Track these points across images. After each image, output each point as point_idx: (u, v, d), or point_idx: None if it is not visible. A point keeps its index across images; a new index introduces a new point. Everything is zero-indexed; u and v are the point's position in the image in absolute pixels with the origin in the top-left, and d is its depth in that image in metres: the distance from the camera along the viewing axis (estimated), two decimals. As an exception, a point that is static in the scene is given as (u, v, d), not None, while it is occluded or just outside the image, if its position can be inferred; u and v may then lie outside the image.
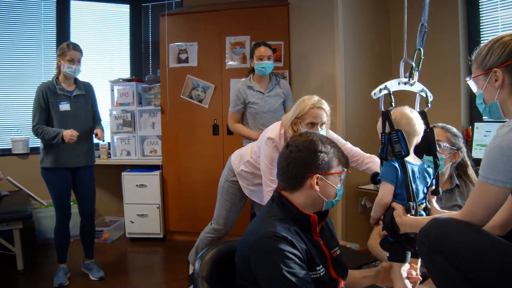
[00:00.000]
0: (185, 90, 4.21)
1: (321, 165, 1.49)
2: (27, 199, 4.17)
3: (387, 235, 1.56)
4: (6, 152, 4.42)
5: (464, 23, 3.54)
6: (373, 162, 2.58)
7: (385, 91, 1.54)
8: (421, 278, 1.57)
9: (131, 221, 4.32)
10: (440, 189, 1.64)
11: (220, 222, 3.01)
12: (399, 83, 1.59)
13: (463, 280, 1.24)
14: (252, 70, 3.43)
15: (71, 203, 4.21)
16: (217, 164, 4.00)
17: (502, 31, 3.30)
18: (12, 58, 4.51)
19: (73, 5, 4.73)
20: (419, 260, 1.59)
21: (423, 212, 1.55)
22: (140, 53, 5.09)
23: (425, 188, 1.59)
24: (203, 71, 4.17)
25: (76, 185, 3.41)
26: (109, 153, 4.53)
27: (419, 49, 1.57)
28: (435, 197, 1.66)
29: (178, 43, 4.21)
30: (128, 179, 4.31)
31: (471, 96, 3.49)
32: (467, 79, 1.48)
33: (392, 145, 1.51)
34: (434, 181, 1.61)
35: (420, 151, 1.61)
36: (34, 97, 3.21)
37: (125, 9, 5.02)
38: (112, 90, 4.51)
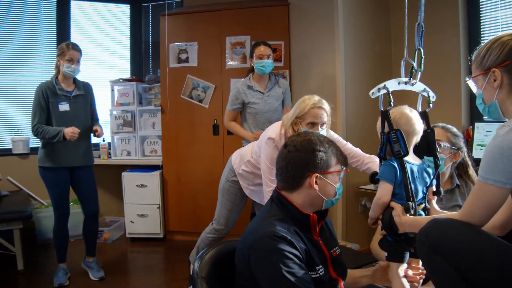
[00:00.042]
0: (185, 90, 4.21)
1: (319, 164, 1.48)
2: (27, 199, 4.17)
3: (386, 234, 1.55)
4: (7, 152, 4.42)
5: (465, 23, 3.54)
6: (373, 162, 2.58)
7: (384, 91, 1.54)
8: (418, 278, 1.57)
9: (131, 221, 4.32)
10: (441, 189, 1.64)
11: (221, 222, 3.01)
12: (399, 83, 1.59)
13: (462, 281, 1.24)
14: (251, 70, 3.43)
15: (72, 203, 4.27)
16: (217, 164, 4.00)
17: (502, 31, 3.30)
18: (12, 58, 4.51)
19: (73, 5, 4.74)
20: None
21: (422, 212, 1.55)
22: (140, 53, 5.10)
23: (424, 188, 1.58)
24: (203, 71, 4.17)
25: (76, 185, 3.41)
26: (109, 153, 4.53)
27: (419, 49, 1.57)
28: (436, 197, 1.66)
29: (178, 43, 4.20)
30: (128, 179, 4.31)
31: (472, 96, 3.48)
32: (467, 79, 1.48)
33: (391, 144, 1.50)
34: (434, 181, 1.60)
35: (420, 152, 1.61)
36: (33, 97, 3.21)
37: (125, 9, 5.02)
38: (113, 90, 4.51)
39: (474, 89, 1.45)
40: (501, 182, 1.21)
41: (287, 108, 3.41)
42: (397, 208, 1.50)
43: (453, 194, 2.07)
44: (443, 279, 1.29)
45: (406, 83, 1.60)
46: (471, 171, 2.11)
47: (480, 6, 3.47)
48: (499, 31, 3.34)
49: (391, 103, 1.53)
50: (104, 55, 4.97)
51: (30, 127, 3.20)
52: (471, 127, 3.48)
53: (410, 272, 1.56)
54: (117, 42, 5.04)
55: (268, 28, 4.00)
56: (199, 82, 4.17)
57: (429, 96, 1.64)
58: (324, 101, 2.49)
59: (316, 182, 1.48)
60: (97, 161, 4.37)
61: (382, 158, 1.57)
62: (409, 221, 1.46)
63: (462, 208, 1.34)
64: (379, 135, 1.55)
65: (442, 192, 1.65)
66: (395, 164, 1.51)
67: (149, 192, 4.29)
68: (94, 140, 4.21)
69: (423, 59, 1.58)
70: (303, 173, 1.48)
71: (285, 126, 2.53)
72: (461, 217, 1.31)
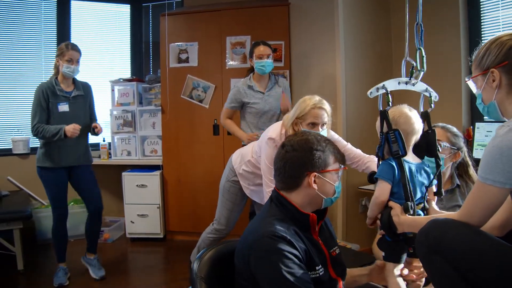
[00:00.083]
0: (185, 90, 4.21)
1: (317, 163, 1.48)
2: (27, 199, 4.18)
3: (385, 234, 1.55)
4: (7, 152, 4.41)
5: (465, 23, 3.53)
6: (372, 162, 2.57)
7: (383, 91, 1.54)
8: (414, 277, 1.57)
9: (131, 221, 4.32)
10: (442, 190, 1.63)
11: (222, 222, 3.01)
12: (399, 83, 1.58)
13: (462, 281, 1.24)
14: (251, 70, 3.43)
15: (72, 203, 4.28)
16: (217, 164, 4.00)
17: (503, 31, 3.28)
18: (13, 58, 4.51)
19: (74, 5, 4.73)
20: None
21: (421, 212, 1.54)
22: (140, 53, 5.09)
23: (423, 188, 1.58)
24: (204, 71, 4.17)
25: (76, 185, 3.42)
26: (110, 153, 4.53)
27: (420, 49, 1.56)
28: (436, 197, 1.65)
29: (179, 43, 4.20)
30: (129, 179, 4.31)
31: (472, 96, 3.48)
32: (466, 79, 1.48)
33: (389, 144, 1.50)
34: (435, 181, 1.60)
35: (421, 152, 1.61)
36: (33, 97, 3.21)
37: (125, 9, 5.02)
38: (113, 90, 4.51)
39: (473, 89, 1.45)
40: (501, 182, 1.21)
41: (284, 104, 3.40)
42: (396, 208, 1.50)
43: (454, 194, 2.06)
44: (443, 279, 1.29)
45: (406, 83, 1.60)
46: (472, 171, 2.11)
47: (481, 6, 3.46)
48: (500, 31, 3.33)
49: (390, 103, 1.53)
50: (104, 55, 4.97)
51: (30, 127, 3.20)
52: (471, 127, 3.47)
53: (406, 271, 1.56)
54: (118, 42, 5.04)
55: (268, 28, 4.00)
56: (199, 82, 4.17)
57: (431, 96, 1.63)
58: (324, 101, 2.48)
59: (314, 181, 1.48)
60: (97, 161, 4.38)
61: (380, 157, 1.57)
62: (408, 221, 1.46)
63: (461, 208, 1.34)
64: (379, 135, 1.55)
65: (443, 193, 1.64)
66: (394, 163, 1.51)
67: (149, 192, 4.29)
68: (94, 140, 4.25)
69: (424, 58, 1.57)
70: (301, 172, 1.48)
71: (286, 126, 2.53)
72: (460, 217, 1.31)
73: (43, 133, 3.14)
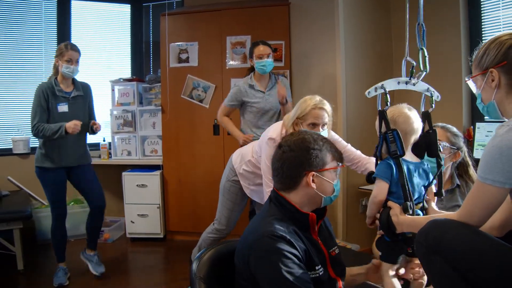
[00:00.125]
0: (185, 90, 4.20)
1: (315, 162, 1.48)
2: (27, 199, 4.18)
3: (384, 234, 1.55)
4: (7, 152, 4.41)
5: (466, 23, 3.52)
6: (372, 163, 2.57)
7: (381, 91, 1.53)
8: (411, 276, 1.57)
9: (131, 221, 4.31)
10: (443, 190, 1.63)
11: (223, 222, 3.01)
12: (398, 83, 1.58)
13: (462, 281, 1.24)
14: (251, 69, 3.43)
15: (72, 203, 4.28)
16: (217, 164, 3.99)
17: (503, 30, 3.28)
18: (13, 58, 4.51)
19: (74, 5, 4.73)
20: None
21: (420, 212, 1.54)
22: (141, 53, 5.09)
23: (422, 187, 1.58)
24: (204, 71, 4.17)
25: (77, 184, 3.42)
26: (110, 153, 4.53)
27: (422, 49, 1.55)
28: (436, 198, 1.65)
29: (179, 43, 4.20)
30: (129, 179, 4.31)
31: (473, 96, 3.47)
32: (466, 79, 1.47)
33: (387, 144, 1.50)
34: (435, 181, 1.60)
35: (421, 152, 1.60)
36: (34, 97, 3.20)
37: (126, 8, 5.02)
38: (113, 90, 4.50)
39: (473, 89, 1.44)
40: (500, 182, 1.21)
41: (290, 104, 3.39)
42: (395, 208, 1.49)
43: (454, 194, 2.06)
44: (443, 279, 1.29)
45: (406, 82, 1.59)
46: (472, 171, 2.11)
47: (481, 6, 3.45)
48: (500, 31, 3.33)
49: (388, 102, 1.53)
50: (105, 55, 4.97)
51: (30, 127, 3.19)
52: (472, 127, 3.47)
53: (402, 271, 1.56)
54: (118, 42, 5.04)
55: (268, 27, 4.00)
56: (199, 82, 4.17)
57: (432, 96, 1.63)
58: (325, 101, 2.48)
59: (313, 181, 1.48)
60: (97, 161, 4.39)
61: (378, 157, 1.57)
62: (407, 221, 1.46)
63: (460, 208, 1.34)
64: (378, 135, 1.55)
65: (443, 193, 1.64)
66: (392, 163, 1.50)
67: (149, 192, 4.29)
68: (94, 140, 4.26)
69: (427, 58, 1.56)
70: (299, 172, 1.48)
71: (286, 126, 2.53)
72: (460, 217, 1.31)
73: (44, 132, 3.13)
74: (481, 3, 3.45)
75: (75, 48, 3.23)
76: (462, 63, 3.50)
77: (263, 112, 3.38)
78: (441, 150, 1.63)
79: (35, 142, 4.28)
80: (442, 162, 1.59)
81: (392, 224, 1.48)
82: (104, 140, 4.54)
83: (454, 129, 2.09)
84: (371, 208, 1.57)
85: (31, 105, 3.21)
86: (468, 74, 1.46)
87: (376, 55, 3.97)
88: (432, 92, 1.62)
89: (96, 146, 4.51)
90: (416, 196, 1.55)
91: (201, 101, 4.18)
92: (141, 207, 4.30)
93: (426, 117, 1.62)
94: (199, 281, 1.49)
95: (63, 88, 3.26)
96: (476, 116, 3.53)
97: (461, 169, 2.12)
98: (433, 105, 1.63)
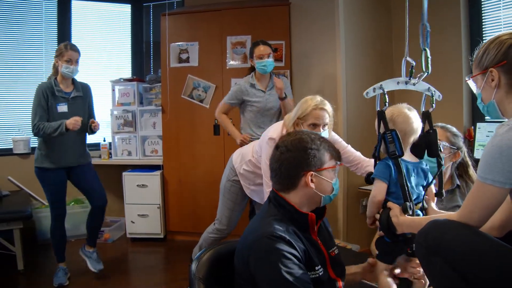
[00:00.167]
0: (186, 90, 4.20)
1: (313, 162, 1.47)
2: (27, 199, 4.18)
3: (384, 235, 1.54)
4: (7, 152, 4.41)
5: (466, 22, 3.52)
6: (372, 166, 2.56)
7: (380, 91, 1.53)
8: (411, 275, 1.57)
9: (131, 221, 4.31)
10: (443, 191, 1.62)
11: (223, 222, 3.01)
12: (397, 83, 1.57)
13: (462, 281, 1.23)
14: (252, 69, 3.43)
15: (72, 203, 4.28)
16: (218, 164, 3.99)
17: (504, 30, 3.28)
18: (13, 58, 4.51)
19: (74, 5, 4.73)
20: None
21: (420, 212, 1.54)
22: (141, 53, 5.09)
23: (421, 187, 1.57)
24: (204, 71, 4.16)
25: (78, 183, 3.42)
26: (110, 153, 4.53)
27: (425, 49, 1.53)
28: (435, 198, 1.64)
29: (179, 43, 4.20)
30: (129, 179, 4.31)
31: (473, 96, 3.46)
32: (467, 78, 1.47)
33: (386, 145, 1.49)
34: (435, 181, 1.59)
35: (421, 152, 1.59)
36: (34, 97, 3.20)
37: (126, 8, 5.02)
38: (113, 90, 4.51)
39: (474, 89, 1.44)
40: (500, 182, 1.20)
41: (290, 101, 3.39)
42: (395, 208, 1.49)
43: (454, 194, 2.05)
44: (443, 280, 1.28)
45: (406, 82, 1.58)
46: (471, 171, 2.10)
47: (482, 6, 3.45)
48: (501, 31, 3.32)
49: (387, 103, 1.52)
50: (105, 55, 4.97)
51: (31, 127, 3.18)
52: (472, 127, 3.46)
53: (397, 271, 1.56)
54: (118, 42, 5.04)
55: (269, 27, 3.99)
56: (199, 82, 4.16)
57: (433, 95, 1.62)
58: (326, 102, 2.47)
59: (311, 181, 1.47)
60: (97, 161, 4.39)
61: (376, 158, 1.56)
62: (407, 222, 1.45)
63: (461, 209, 1.33)
64: (377, 135, 1.55)
65: (444, 193, 1.63)
66: (390, 163, 1.50)
67: (149, 192, 4.29)
68: (95, 140, 4.26)
69: (429, 59, 1.54)
70: (298, 172, 1.47)
71: (287, 126, 2.53)
72: (460, 218, 1.30)
73: (44, 130, 3.12)
74: (482, 3, 3.45)
75: (74, 48, 3.23)
76: (463, 62, 3.49)
77: (264, 112, 3.38)
78: (441, 150, 1.62)
79: (35, 142, 4.27)
80: (443, 162, 1.59)
81: (392, 225, 1.48)
82: (104, 140, 4.55)
83: (454, 129, 2.08)
84: (370, 208, 1.57)
85: (32, 105, 3.21)
86: (468, 74, 1.46)
87: (377, 54, 3.96)
88: (433, 92, 1.62)
89: (96, 146, 4.51)
90: (415, 196, 1.54)
91: (201, 101, 4.17)
92: (141, 207, 4.30)
93: (426, 117, 1.61)
94: (198, 282, 1.48)
95: (63, 88, 3.26)
96: (476, 116, 3.53)
97: (461, 169, 2.12)
98: (434, 104, 1.62)
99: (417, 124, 1.57)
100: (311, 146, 1.48)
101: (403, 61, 1.58)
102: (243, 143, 3.25)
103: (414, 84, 1.58)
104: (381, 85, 1.54)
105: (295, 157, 1.48)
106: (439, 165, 1.58)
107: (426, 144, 1.58)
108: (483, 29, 3.45)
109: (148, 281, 3.46)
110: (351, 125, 3.79)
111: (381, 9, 4.02)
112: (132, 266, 3.93)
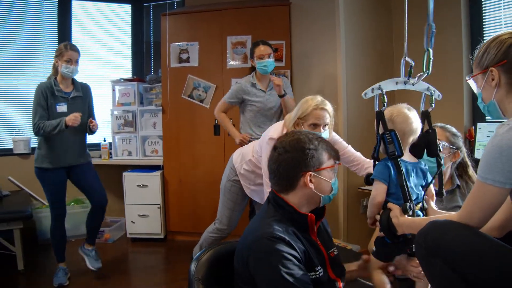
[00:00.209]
0: (186, 90, 4.20)
1: (311, 162, 1.47)
2: (28, 199, 4.18)
3: (385, 236, 1.54)
4: (8, 152, 4.41)
5: (467, 22, 3.51)
6: (372, 167, 2.56)
7: (378, 91, 1.52)
8: (400, 273, 1.57)
9: (132, 221, 4.31)
10: (444, 191, 1.62)
11: (224, 222, 3.01)
12: (396, 83, 1.56)
13: (461, 282, 1.23)
14: (253, 69, 3.42)
15: (72, 203, 4.28)
16: (218, 164, 3.98)
17: (505, 30, 3.27)
18: (14, 58, 4.51)
19: (75, 5, 4.73)
20: None
21: (420, 212, 1.53)
22: (141, 53, 5.09)
23: (420, 187, 1.57)
24: (204, 71, 4.16)
25: (78, 183, 3.42)
26: (110, 153, 4.53)
27: (428, 50, 1.52)
28: (435, 198, 1.64)
29: (179, 43, 4.19)
30: (129, 179, 4.31)
31: (474, 96, 3.44)
32: (467, 78, 1.46)
33: (385, 145, 1.49)
34: (434, 181, 1.59)
35: (421, 152, 1.59)
36: (34, 96, 3.20)
37: (126, 8, 5.01)
38: (114, 90, 4.51)
39: (474, 88, 1.43)
40: (500, 182, 1.20)
41: (290, 99, 3.38)
42: (395, 209, 1.48)
43: (454, 195, 2.05)
44: (443, 280, 1.28)
45: (405, 82, 1.58)
46: (471, 171, 2.10)
47: (482, 5, 3.44)
48: (502, 30, 3.31)
49: (385, 103, 1.52)
50: (105, 55, 4.96)
51: (31, 126, 3.18)
52: (473, 127, 3.46)
53: (391, 268, 1.56)
54: (118, 42, 5.03)
55: (269, 27, 3.99)
56: (200, 82, 4.16)
57: (432, 95, 1.61)
58: (327, 102, 2.47)
59: (310, 181, 1.47)
60: (98, 161, 4.39)
61: (376, 159, 1.56)
62: (408, 222, 1.45)
63: (461, 209, 1.33)
64: (376, 136, 1.54)
65: (444, 193, 1.63)
66: (390, 164, 1.50)
67: (150, 192, 4.28)
68: (95, 140, 4.25)
69: (431, 60, 1.53)
70: (296, 173, 1.47)
71: (287, 126, 2.52)
72: (460, 218, 1.30)
73: (44, 128, 3.12)
74: (482, 2, 3.44)
75: (74, 48, 3.23)
76: (463, 62, 3.49)
77: (264, 111, 3.37)
78: (441, 150, 1.62)
79: (35, 142, 4.26)
80: (442, 162, 1.58)
81: (392, 226, 1.47)
82: (104, 140, 4.55)
83: (453, 129, 2.08)
84: (371, 209, 1.57)
85: (32, 105, 3.21)
86: (469, 74, 1.45)
87: (377, 54, 3.96)
88: (433, 91, 1.61)
89: (96, 146, 4.51)
90: (414, 196, 1.54)
91: (201, 101, 4.17)
92: (141, 207, 4.30)
93: (425, 116, 1.60)
94: (197, 282, 1.48)
95: (63, 88, 3.26)
96: (477, 116, 3.52)
97: (461, 169, 2.11)
98: (433, 104, 1.62)
99: (417, 124, 1.56)
100: (309, 146, 1.47)
101: (402, 61, 1.57)
102: (242, 143, 3.25)
103: (413, 84, 1.58)
104: (379, 85, 1.53)
105: (293, 158, 1.47)
106: (439, 164, 1.57)
107: (426, 144, 1.57)
108: (484, 29, 3.44)
109: (148, 281, 3.46)
110: (351, 125, 3.79)
111: (382, 9, 4.01)
112: (132, 266, 3.92)
